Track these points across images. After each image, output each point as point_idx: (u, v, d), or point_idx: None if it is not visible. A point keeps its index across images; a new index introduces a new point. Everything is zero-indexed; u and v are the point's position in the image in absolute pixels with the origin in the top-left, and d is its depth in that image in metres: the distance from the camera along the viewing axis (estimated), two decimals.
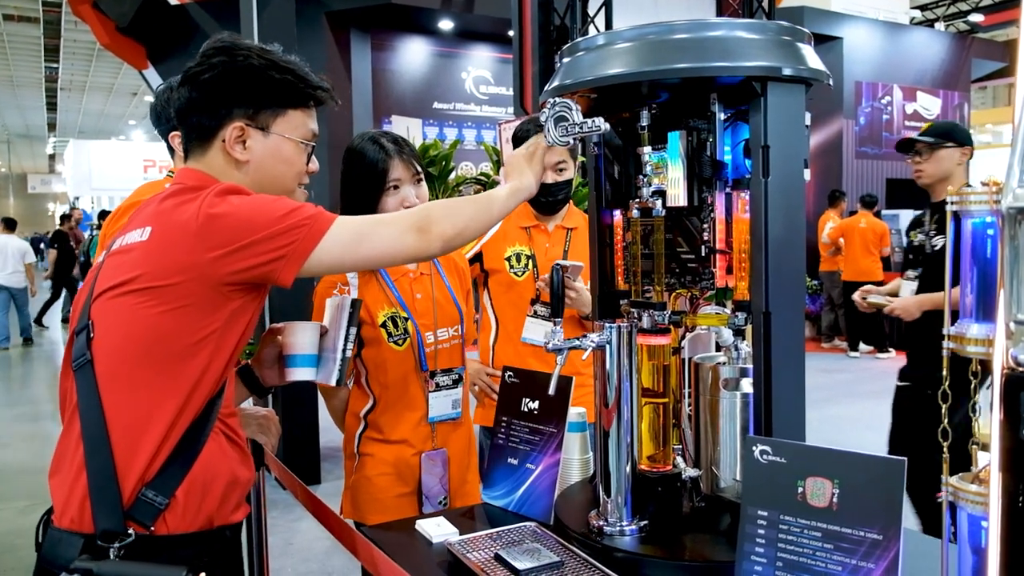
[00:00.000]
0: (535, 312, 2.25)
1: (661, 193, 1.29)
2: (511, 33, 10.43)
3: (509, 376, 1.57)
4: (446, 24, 10.44)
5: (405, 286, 1.79)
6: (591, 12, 5.65)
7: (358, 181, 1.74)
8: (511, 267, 2.25)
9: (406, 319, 1.76)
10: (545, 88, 1.31)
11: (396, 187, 1.73)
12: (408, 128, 4.73)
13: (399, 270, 1.80)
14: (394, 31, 10.41)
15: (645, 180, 1.30)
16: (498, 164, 4.73)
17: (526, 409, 1.52)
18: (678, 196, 1.27)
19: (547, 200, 2.23)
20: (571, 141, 1.22)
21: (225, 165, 1.26)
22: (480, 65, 11.56)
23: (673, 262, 1.33)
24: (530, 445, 1.49)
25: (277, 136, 1.27)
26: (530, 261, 2.26)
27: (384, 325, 1.74)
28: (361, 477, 1.79)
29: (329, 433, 4.69)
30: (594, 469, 1.53)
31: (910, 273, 3.03)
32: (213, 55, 1.25)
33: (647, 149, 1.28)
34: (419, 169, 1.77)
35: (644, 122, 1.28)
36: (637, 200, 1.32)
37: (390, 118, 8.31)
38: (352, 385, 1.83)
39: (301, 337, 1.36)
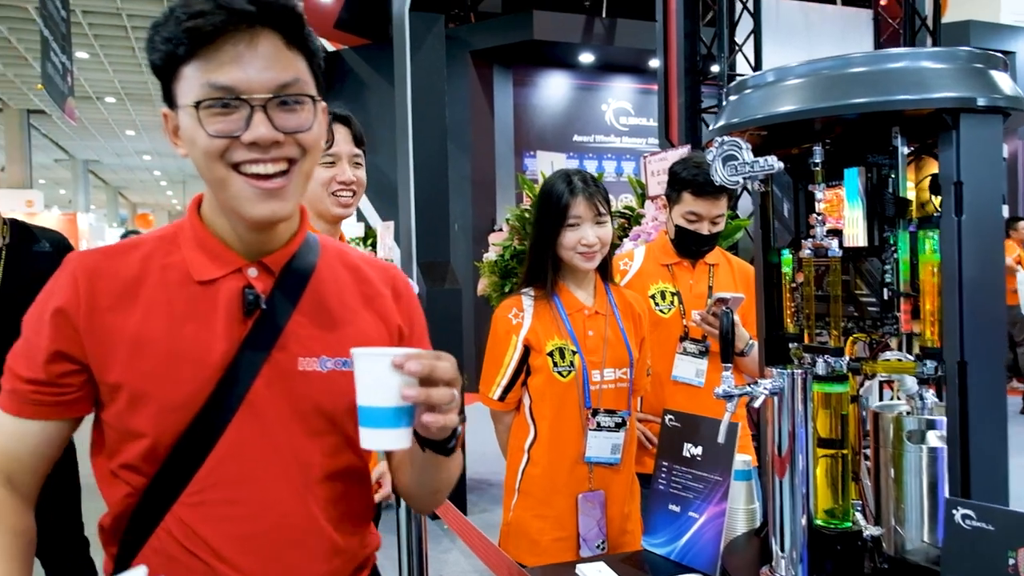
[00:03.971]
0: (684, 349, 2.21)
1: (837, 232, 1.23)
2: (652, 64, 10.37)
3: (670, 420, 1.54)
4: (586, 57, 10.57)
5: (578, 322, 1.81)
6: (739, 40, 5.52)
7: (543, 215, 1.83)
8: (656, 304, 2.22)
9: (574, 352, 1.77)
10: (711, 127, 1.29)
11: (575, 224, 1.78)
12: (552, 162, 4.78)
13: (574, 305, 1.83)
14: (535, 66, 10.65)
15: (819, 219, 1.24)
16: (642, 197, 4.69)
17: (688, 455, 1.48)
18: (856, 236, 1.20)
19: (697, 249, 2.19)
20: (741, 180, 1.19)
21: None
22: (620, 96, 11.57)
23: (851, 305, 1.26)
24: (693, 492, 1.45)
25: (181, 109, 0.90)
26: (675, 298, 2.22)
27: (551, 354, 1.77)
28: (519, 516, 1.80)
29: (475, 465, 4.77)
30: (761, 520, 1.46)
31: None
32: None
33: (821, 186, 1.23)
34: (604, 210, 1.79)
35: (818, 159, 1.22)
36: (810, 239, 1.26)
37: (533, 152, 8.48)
38: (517, 413, 1.86)
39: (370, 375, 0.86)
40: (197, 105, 0.86)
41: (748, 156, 1.17)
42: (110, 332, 0.91)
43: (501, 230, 5.40)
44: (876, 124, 1.17)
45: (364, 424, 0.84)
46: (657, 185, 4.56)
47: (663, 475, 1.51)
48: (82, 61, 15.29)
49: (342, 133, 1.82)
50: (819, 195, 1.23)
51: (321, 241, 1.06)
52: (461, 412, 0.91)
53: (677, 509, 1.46)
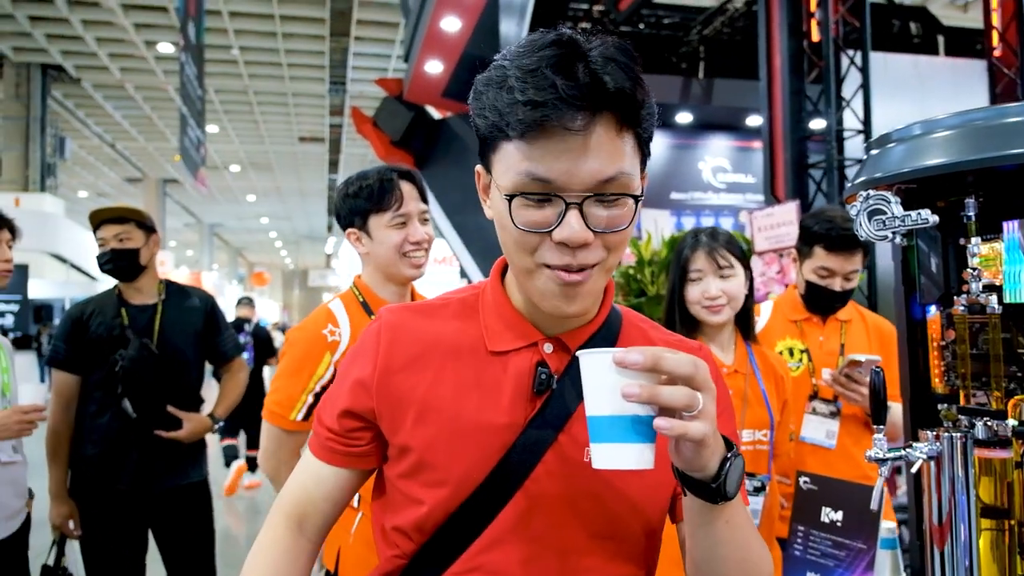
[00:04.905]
0: (814, 409, 2.11)
1: (995, 288, 1.17)
2: (749, 121, 10.27)
3: (805, 482, 1.48)
4: (684, 117, 10.60)
5: None
6: (846, 96, 5.42)
7: (670, 271, 1.87)
8: None
9: None
10: (853, 182, 1.27)
11: (697, 278, 1.80)
12: (656, 220, 4.78)
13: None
14: None
15: (974, 274, 1.19)
16: (749, 252, 4.61)
17: (827, 520, 1.42)
18: (1019, 292, 1.14)
19: (829, 305, 2.12)
20: (889, 235, 1.16)
21: None
22: (717, 153, 11.52)
23: (1013, 364, 1.19)
24: (834, 560, 1.37)
25: (495, 183, 0.91)
26: (804, 355, 2.14)
27: None
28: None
29: None
30: None
31: None
32: None
33: (976, 240, 1.18)
34: (728, 264, 1.78)
35: (971, 212, 1.18)
36: (964, 295, 1.21)
37: None
38: None
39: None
40: (511, 197, 0.81)
41: (898, 210, 1.14)
42: (401, 394, 0.89)
43: None
44: None
45: (593, 439, 0.74)
46: (764, 240, 4.48)
47: (799, 540, 1.45)
48: (212, 134, 16.56)
49: (409, 190, 1.77)
50: (974, 249, 1.19)
51: (625, 317, 0.99)
52: (731, 448, 0.77)
53: None
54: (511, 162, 0.81)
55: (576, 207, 0.79)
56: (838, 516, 1.40)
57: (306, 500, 0.96)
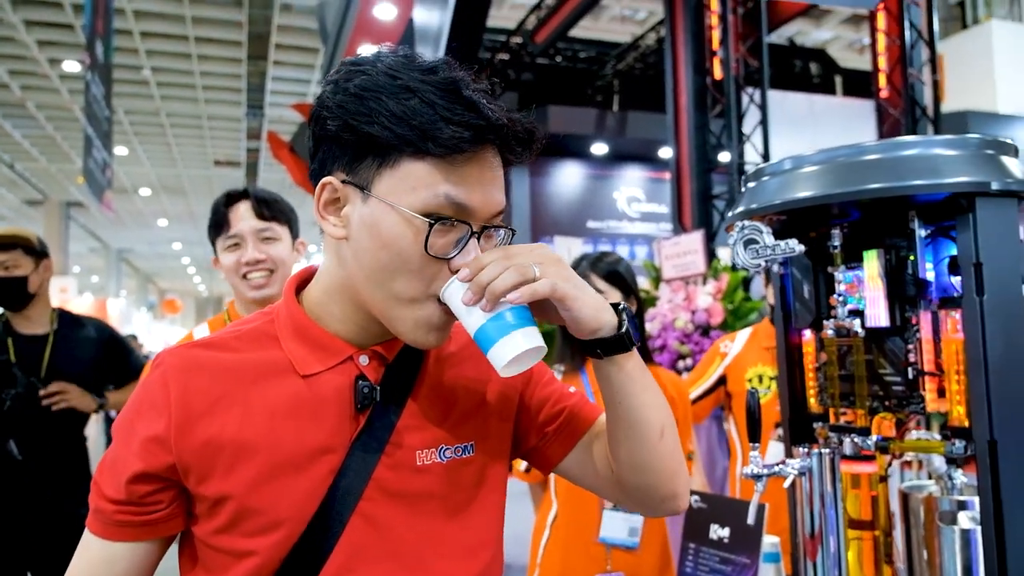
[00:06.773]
0: (778, 437, 2.08)
1: (858, 313, 1.26)
2: (662, 153, 10.64)
3: (696, 501, 1.53)
4: (599, 148, 10.90)
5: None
6: (746, 131, 5.70)
7: None
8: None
9: None
10: (730, 213, 1.34)
11: None
12: (569, 249, 4.89)
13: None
14: (550, 157, 10.99)
15: (840, 300, 1.27)
16: (657, 280, 4.75)
17: (715, 537, 1.47)
18: (878, 316, 1.22)
19: None
20: (762, 263, 1.22)
21: (327, 249, 0.86)
22: (632, 184, 11.87)
23: (875, 384, 1.27)
24: (721, 575, 1.42)
25: (377, 201, 0.78)
26: (774, 383, 2.14)
27: None
28: None
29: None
30: None
31: None
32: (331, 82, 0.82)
33: (841, 268, 1.26)
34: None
35: (836, 242, 1.26)
36: (832, 319, 1.29)
37: (549, 237, 8.64)
38: (544, 491, 1.87)
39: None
40: (433, 220, 0.76)
41: (769, 240, 1.21)
42: (207, 441, 0.80)
43: None
44: (893, 208, 1.21)
45: (484, 349, 0.79)
46: (671, 268, 4.63)
47: (690, 558, 1.49)
48: (120, 156, 15.93)
49: (243, 211, 1.74)
50: (839, 277, 1.27)
51: None
52: (627, 319, 0.84)
53: None
54: (422, 181, 0.76)
55: (476, 235, 0.80)
56: (725, 532, 1.45)
57: None
